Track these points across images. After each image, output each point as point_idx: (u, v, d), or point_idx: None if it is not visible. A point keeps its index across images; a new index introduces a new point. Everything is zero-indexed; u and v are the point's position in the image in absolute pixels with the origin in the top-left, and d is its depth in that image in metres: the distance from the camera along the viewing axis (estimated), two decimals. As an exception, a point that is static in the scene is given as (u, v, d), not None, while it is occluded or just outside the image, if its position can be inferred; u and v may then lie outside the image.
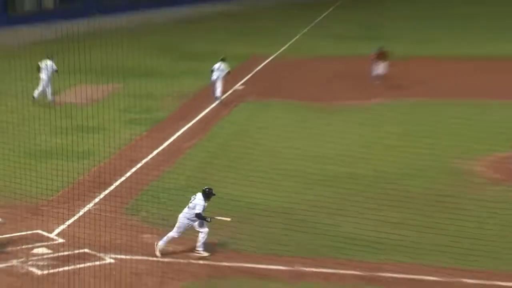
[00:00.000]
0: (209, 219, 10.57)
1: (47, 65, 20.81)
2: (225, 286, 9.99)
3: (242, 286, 9.85)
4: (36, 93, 20.86)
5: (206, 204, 10.61)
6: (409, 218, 11.72)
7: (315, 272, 10.22)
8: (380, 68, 22.81)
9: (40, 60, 20.69)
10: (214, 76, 20.48)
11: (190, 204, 10.54)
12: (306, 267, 10.26)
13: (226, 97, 21.91)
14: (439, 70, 25.40)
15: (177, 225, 10.71)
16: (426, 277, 10.03)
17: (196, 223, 10.62)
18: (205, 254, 10.72)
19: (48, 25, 26.72)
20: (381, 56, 22.88)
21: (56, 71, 20.75)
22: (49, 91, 20.93)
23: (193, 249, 10.80)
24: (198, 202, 10.55)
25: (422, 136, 16.36)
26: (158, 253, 10.70)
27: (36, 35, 26.07)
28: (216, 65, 20.52)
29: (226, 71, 20.71)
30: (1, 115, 18.76)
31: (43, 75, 20.71)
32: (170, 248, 10.80)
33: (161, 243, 10.73)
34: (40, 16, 33.45)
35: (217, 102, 20.62)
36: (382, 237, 10.91)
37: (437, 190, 13.35)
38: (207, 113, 20.12)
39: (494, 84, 22.80)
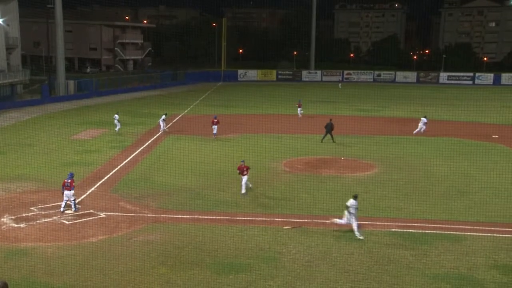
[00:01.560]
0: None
1: (116, 116, 37.67)
2: (161, 227, 18.57)
3: (168, 227, 18.41)
4: (116, 129, 37.46)
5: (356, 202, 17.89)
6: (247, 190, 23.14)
7: (204, 218, 19.67)
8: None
9: (113, 114, 38.72)
10: (161, 120, 35.98)
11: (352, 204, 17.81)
12: (200, 216, 19.95)
13: (159, 134, 36.54)
14: (258, 120, 42.68)
15: (349, 215, 17.75)
16: (256, 218, 20.38)
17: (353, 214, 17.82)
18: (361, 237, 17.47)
19: (71, 101, 52.02)
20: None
21: (118, 119, 37.65)
22: (117, 127, 37.43)
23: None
24: (353, 203, 17.74)
25: (252, 151, 29.27)
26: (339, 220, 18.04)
27: (65, 107, 47.42)
28: (163, 116, 36.06)
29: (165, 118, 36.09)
30: (48, 146, 31.76)
31: (116, 121, 37.64)
32: (133, 208, 21.68)
33: (340, 221, 17.98)
34: (67, 97, 56.94)
35: (161, 132, 35.57)
36: (236, 200, 21.87)
37: (261, 176, 25.32)
38: (150, 142, 34.11)
39: (284, 125, 39.64)
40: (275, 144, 32.27)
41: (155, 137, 34.89)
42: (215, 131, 35.33)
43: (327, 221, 19.06)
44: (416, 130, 37.98)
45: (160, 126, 36.54)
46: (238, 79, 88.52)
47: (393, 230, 18.51)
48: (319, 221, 19.24)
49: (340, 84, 78.62)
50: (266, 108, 51.45)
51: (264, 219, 19.57)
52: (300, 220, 19.33)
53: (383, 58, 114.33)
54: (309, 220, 19.31)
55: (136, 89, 70.17)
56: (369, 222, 19.06)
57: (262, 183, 24.25)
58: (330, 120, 35.09)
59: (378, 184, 24.49)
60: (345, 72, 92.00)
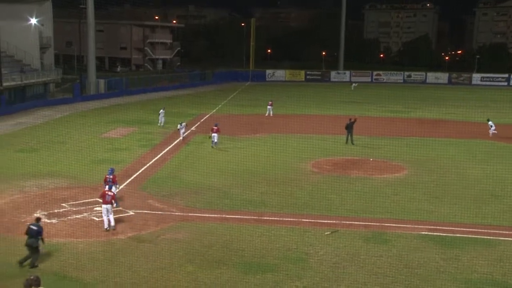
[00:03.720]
0: None
1: (161, 111, 40.06)
2: (188, 225, 18.66)
3: (196, 225, 18.54)
4: (159, 123, 40.10)
5: None
6: (275, 190, 23.18)
7: (232, 217, 19.63)
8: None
9: (159, 109, 41.39)
10: (180, 128, 34.85)
11: None
12: (227, 215, 19.87)
13: (187, 134, 36.99)
14: (286, 120, 43.81)
15: None
16: (285, 219, 19.57)
17: None
18: None
19: (102, 100, 53.62)
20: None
21: (163, 113, 40.42)
22: (162, 121, 40.14)
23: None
24: None
25: (280, 151, 29.45)
26: None
27: (96, 105, 48.95)
28: (183, 124, 35.07)
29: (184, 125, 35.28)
30: (79, 143, 32.72)
31: (160, 115, 40.34)
32: (161, 206, 21.62)
33: None
34: (98, 95, 58.08)
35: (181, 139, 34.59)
36: (263, 199, 21.96)
37: (289, 176, 25.44)
38: (178, 141, 34.38)
39: (312, 126, 39.35)
40: (303, 145, 32.25)
41: (182, 137, 35.25)
42: (215, 140, 32.37)
43: (354, 222, 18.96)
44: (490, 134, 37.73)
45: (180, 133, 35.13)
46: (266, 79, 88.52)
47: (423, 233, 18.20)
48: (347, 222, 19.09)
49: (353, 85, 77.79)
50: (294, 109, 51.48)
51: (291, 219, 19.53)
52: (330, 221, 19.20)
53: (413, 59, 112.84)
54: (337, 222, 19.15)
55: (165, 88, 70.86)
56: (398, 225, 18.81)
57: (290, 183, 24.21)
58: (350, 119, 34.71)
59: (407, 186, 24.16)
60: (375, 72, 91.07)
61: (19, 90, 51.23)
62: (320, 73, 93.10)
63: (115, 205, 20.20)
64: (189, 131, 36.99)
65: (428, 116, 48.44)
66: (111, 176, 20.40)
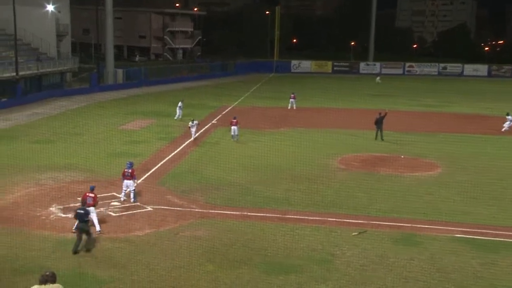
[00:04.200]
0: None
1: (180, 103, 40.11)
2: (208, 222, 18.78)
3: (216, 223, 18.65)
4: (176, 116, 39.99)
5: None
6: (300, 187, 23.14)
7: (254, 215, 19.58)
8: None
9: (178, 101, 41.25)
10: (191, 126, 32.83)
11: None
12: (249, 212, 19.93)
13: (208, 126, 37.59)
14: (311, 113, 44.16)
15: None
16: (310, 218, 19.46)
17: None
18: None
19: (120, 91, 54.80)
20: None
21: (181, 106, 40.45)
22: (179, 114, 40.06)
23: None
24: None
25: (305, 146, 29.41)
26: None
27: (114, 96, 50.30)
28: (195, 121, 33.24)
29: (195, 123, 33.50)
30: (96, 135, 33.11)
31: (178, 108, 40.33)
32: (180, 202, 21.83)
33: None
34: (116, 85, 59.29)
35: (192, 139, 32.56)
36: (287, 196, 21.95)
37: (314, 173, 25.32)
38: (199, 134, 34.37)
39: (339, 120, 39.60)
40: (329, 140, 32.24)
41: (200, 131, 35.40)
42: (236, 133, 32.85)
43: (383, 223, 18.78)
44: (504, 128, 37.02)
45: (191, 133, 32.88)
46: (291, 70, 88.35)
47: (458, 236, 17.94)
48: (375, 222, 18.92)
49: (378, 78, 76.82)
50: (321, 102, 51.21)
51: (316, 218, 19.45)
52: (358, 221, 19.05)
53: (450, 50, 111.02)
54: (364, 222, 19.01)
55: (185, 79, 71.33)
56: (431, 226, 18.58)
57: (315, 180, 24.09)
58: (380, 114, 34.35)
59: (441, 185, 23.85)
60: (407, 64, 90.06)
61: (35, 79, 52.11)
62: (348, 64, 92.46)
63: (132, 200, 20.47)
64: (203, 129, 36.56)
65: (465, 110, 47.72)
66: (130, 170, 20.59)
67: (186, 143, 31.94)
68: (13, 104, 44.97)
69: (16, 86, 47.44)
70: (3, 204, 20.32)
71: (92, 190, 18.22)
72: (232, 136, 32.97)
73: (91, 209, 17.61)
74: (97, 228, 17.68)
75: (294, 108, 46.45)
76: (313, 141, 30.90)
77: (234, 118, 33.79)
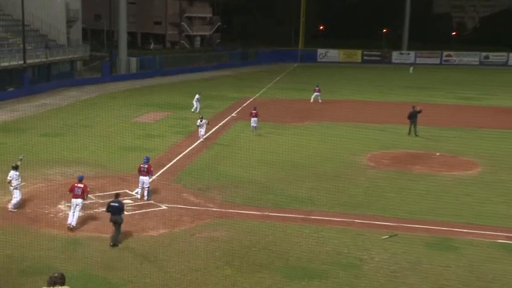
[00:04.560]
0: None
1: (197, 95, 40.50)
2: (227, 222, 18.85)
3: (235, 223, 18.70)
4: (193, 109, 40.45)
5: None
6: (325, 185, 23.00)
7: (275, 215, 19.74)
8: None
9: (196, 93, 41.66)
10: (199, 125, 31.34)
11: None
12: (271, 212, 20.11)
13: (228, 120, 38.16)
14: (339, 106, 44.16)
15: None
16: (336, 219, 19.57)
17: None
18: None
19: (133, 81, 56.34)
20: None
21: (198, 99, 40.90)
22: (197, 107, 40.41)
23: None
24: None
25: (331, 141, 29.38)
26: None
27: (127, 86, 51.68)
28: (204, 121, 31.76)
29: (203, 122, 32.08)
30: (108, 128, 33.68)
31: (195, 101, 40.70)
32: (197, 201, 21.60)
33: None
34: (129, 75, 60.33)
35: (201, 140, 31.02)
36: (311, 196, 21.90)
37: (340, 171, 25.34)
38: (217, 128, 35.13)
39: (369, 114, 39.66)
40: (358, 135, 32.02)
41: (219, 125, 35.74)
42: (254, 124, 33.62)
43: (416, 225, 18.65)
44: None
45: (199, 132, 31.44)
46: (317, 60, 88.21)
47: (500, 241, 17.74)
48: (407, 225, 18.81)
49: (411, 68, 76.18)
50: (349, 94, 51.19)
51: (343, 219, 19.42)
52: (388, 224, 18.94)
53: (493, 37, 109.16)
54: (395, 224, 18.90)
55: (203, 68, 71.91)
56: (470, 231, 18.39)
57: (342, 178, 24.08)
58: (414, 107, 34.15)
59: (482, 185, 23.58)
60: (445, 53, 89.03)
61: (44, 68, 52.99)
62: (379, 53, 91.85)
63: (146, 198, 20.67)
64: (221, 122, 36.92)
65: (508, 104, 47.00)
66: (146, 166, 20.88)
67: (204, 136, 32.04)
68: (20, 94, 45.78)
69: (24, 75, 48.25)
70: (10, 200, 20.67)
71: (80, 180, 18.57)
72: (254, 128, 33.63)
73: (79, 201, 18.10)
74: (74, 222, 18.02)
75: (320, 101, 46.36)
76: (340, 136, 30.71)
77: (254, 109, 34.30)
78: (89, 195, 19.44)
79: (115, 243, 16.83)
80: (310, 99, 46.71)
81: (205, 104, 41.98)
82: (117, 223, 16.98)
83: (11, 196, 19.65)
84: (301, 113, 40.63)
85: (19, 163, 20.23)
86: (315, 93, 46.87)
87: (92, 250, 16.32)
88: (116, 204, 17.15)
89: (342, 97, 49.60)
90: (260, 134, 32.98)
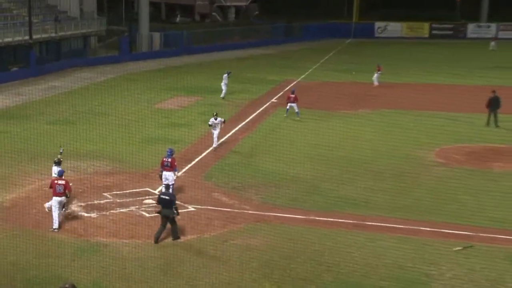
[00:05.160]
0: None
1: (225, 75, 40.35)
2: (265, 228, 18.76)
3: (275, 228, 18.70)
4: (222, 94, 40.28)
5: None
6: (383, 185, 22.86)
7: (323, 220, 19.79)
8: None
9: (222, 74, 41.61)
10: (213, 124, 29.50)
11: None
12: (317, 217, 20.05)
13: (267, 106, 38.46)
14: (401, 91, 43.19)
15: None
16: (396, 225, 19.36)
17: None
18: None
19: (156, 60, 57.23)
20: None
21: (228, 75, 40.39)
22: (224, 92, 40.25)
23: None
24: None
25: (390, 132, 29.10)
26: None
27: (149, 66, 52.99)
28: (219, 119, 29.93)
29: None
30: (126, 116, 33.93)
31: (223, 83, 39.91)
32: (230, 202, 21.65)
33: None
34: (151, 53, 61.90)
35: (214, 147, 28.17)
36: (367, 198, 21.81)
37: (402, 168, 25.01)
38: (255, 116, 35.59)
39: (438, 100, 38.83)
40: (424, 125, 31.74)
41: (256, 112, 35.77)
42: (297, 110, 34.38)
43: (497, 235, 18.31)
44: None
45: (212, 136, 28.20)
46: (375, 35, 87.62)
47: None
48: (486, 235, 18.47)
49: (493, 43, 74.11)
50: (413, 75, 50.44)
51: (405, 226, 19.21)
52: (462, 232, 18.74)
53: None
54: (471, 233, 18.63)
55: (238, 45, 72.13)
56: None
57: (404, 177, 23.89)
58: (494, 92, 33.52)
59: None
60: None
61: (53, 45, 53.98)
62: (452, 26, 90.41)
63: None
64: (260, 109, 36.92)
65: None
66: (170, 160, 21.09)
67: (238, 127, 32.30)
68: (26, 75, 46.75)
69: (30, 52, 49.05)
70: (13, 199, 21.27)
71: (61, 175, 18.85)
72: (297, 114, 34.13)
73: (61, 199, 18.49)
74: (55, 224, 18.37)
75: (376, 84, 45.95)
76: (402, 127, 30.42)
77: (292, 93, 34.72)
78: (104, 194, 19.69)
79: (176, 237, 17.88)
80: (366, 82, 46.28)
81: (240, 88, 42.18)
82: (169, 218, 17.78)
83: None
84: (354, 99, 40.28)
85: (60, 157, 20.66)
86: (377, 73, 46.60)
87: (108, 258, 16.53)
88: (166, 197, 17.99)
89: (404, 79, 48.96)
90: (305, 123, 32.95)
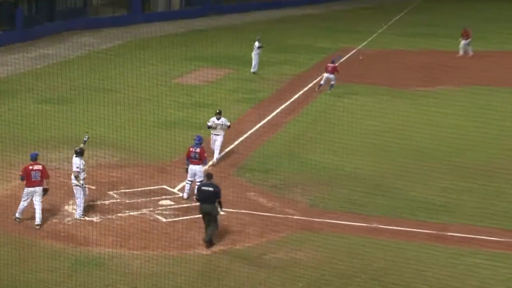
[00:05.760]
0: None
1: (256, 44, 40.39)
2: (315, 238, 18.64)
3: (328, 239, 18.45)
4: (252, 68, 40.23)
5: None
6: (469, 185, 22.72)
7: (389, 229, 19.68)
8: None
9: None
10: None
11: None
12: (381, 224, 20.04)
13: (315, 83, 38.13)
14: (494, 61, 43.50)
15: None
16: (487, 237, 18.97)
17: None
18: None
19: (175, 22, 58.38)
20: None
21: (259, 47, 40.13)
22: (254, 64, 39.88)
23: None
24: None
25: (479, 117, 28.41)
26: None
27: (166, 30, 52.51)
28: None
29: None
30: (137, 93, 34.10)
31: (254, 52, 40.20)
32: (270, 204, 21.66)
33: None
34: (169, 13, 62.70)
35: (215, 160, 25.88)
36: (448, 201, 21.58)
37: (494, 162, 24.74)
38: (299, 95, 35.65)
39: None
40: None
41: (303, 91, 35.67)
42: (333, 82, 35.31)
43: None
44: None
45: (211, 141, 25.97)
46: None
47: None
48: None
49: None
50: (510, 42, 50.04)
51: (500, 239, 19.16)
52: None
53: None
54: None
55: (274, 4, 72.56)
56: None
57: (497, 175, 23.61)
58: None
59: None
60: None
61: (45, 2, 54.35)
62: None
63: (195, 197, 20.95)
64: (306, 87, 36.88)
65: None
66: (198, 150, 21.45)
67: (280, 108, 32.34)
68: (12, 39, 47.37)
69: (16, 11, 49.47)
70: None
71: (35, 159, 19.15)
72: (331, 86, 35.48)
73: (39, 189, 18.86)
74: (37, 219, 18.85)
75: (471, 54, 45.71)
76: (495, 110, 30.05)
77: (332, 62, 35.66)
78: (110, 192, 19.82)
79: (209, 239, 18.09)
80: (446, 50, 45.88)
81: (281, 59, 41.96)
82: (212, 215, 18.07)
83: (73, 199, 20.30)
84: (431, 72, 40.22)
85: (83, 146, 20.53)
86: (463, 40, 46.19)
87: (114, 274, 16.67)
88: (210, 188, 18.15)
89: (498, 47, 48.67)
90: (366, 104, 32.84)
